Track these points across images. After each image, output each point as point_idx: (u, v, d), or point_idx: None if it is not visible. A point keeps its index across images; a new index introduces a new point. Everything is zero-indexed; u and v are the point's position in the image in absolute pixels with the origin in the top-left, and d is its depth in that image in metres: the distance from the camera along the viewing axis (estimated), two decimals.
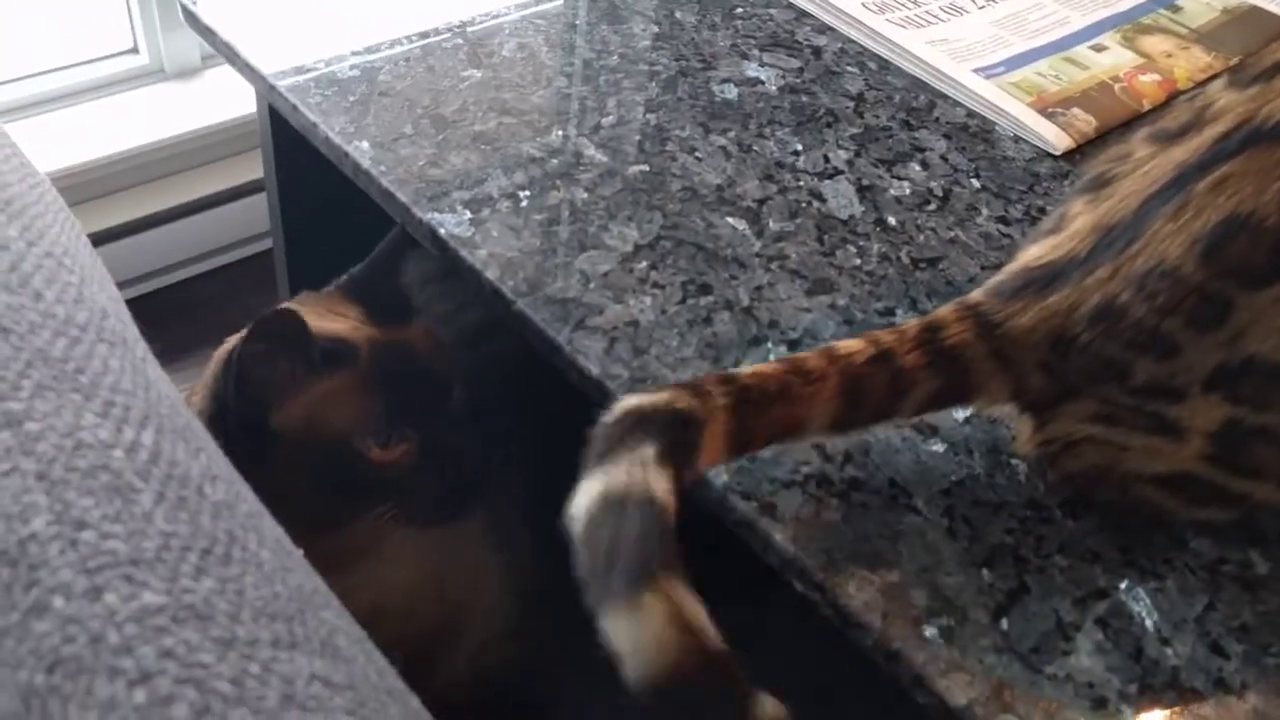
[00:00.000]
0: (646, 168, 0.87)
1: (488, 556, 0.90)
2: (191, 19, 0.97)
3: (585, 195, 0.83)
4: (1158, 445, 0.61)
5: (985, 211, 0.88)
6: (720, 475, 0.65)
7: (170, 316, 1.60)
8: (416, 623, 0.86)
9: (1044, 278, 0.61)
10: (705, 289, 0.77)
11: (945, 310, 0.63)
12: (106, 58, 1.67)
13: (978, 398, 0.63)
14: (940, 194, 0.89)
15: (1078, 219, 0.62)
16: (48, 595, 0.33)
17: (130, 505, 0.36)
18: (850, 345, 0.61)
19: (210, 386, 0.81)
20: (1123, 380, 0.59)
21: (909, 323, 0.63)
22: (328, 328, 0.81)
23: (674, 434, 0.55)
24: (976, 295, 0.64)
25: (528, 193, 0.82)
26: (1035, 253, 0.63)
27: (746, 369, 0.60)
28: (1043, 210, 0.88)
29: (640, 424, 0.55)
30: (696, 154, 0.89)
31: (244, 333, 0.77)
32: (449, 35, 0.98)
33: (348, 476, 0.77)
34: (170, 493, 0.38)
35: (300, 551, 0.44)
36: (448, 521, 0.82)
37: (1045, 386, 0.61)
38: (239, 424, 0.76)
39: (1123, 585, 0.62)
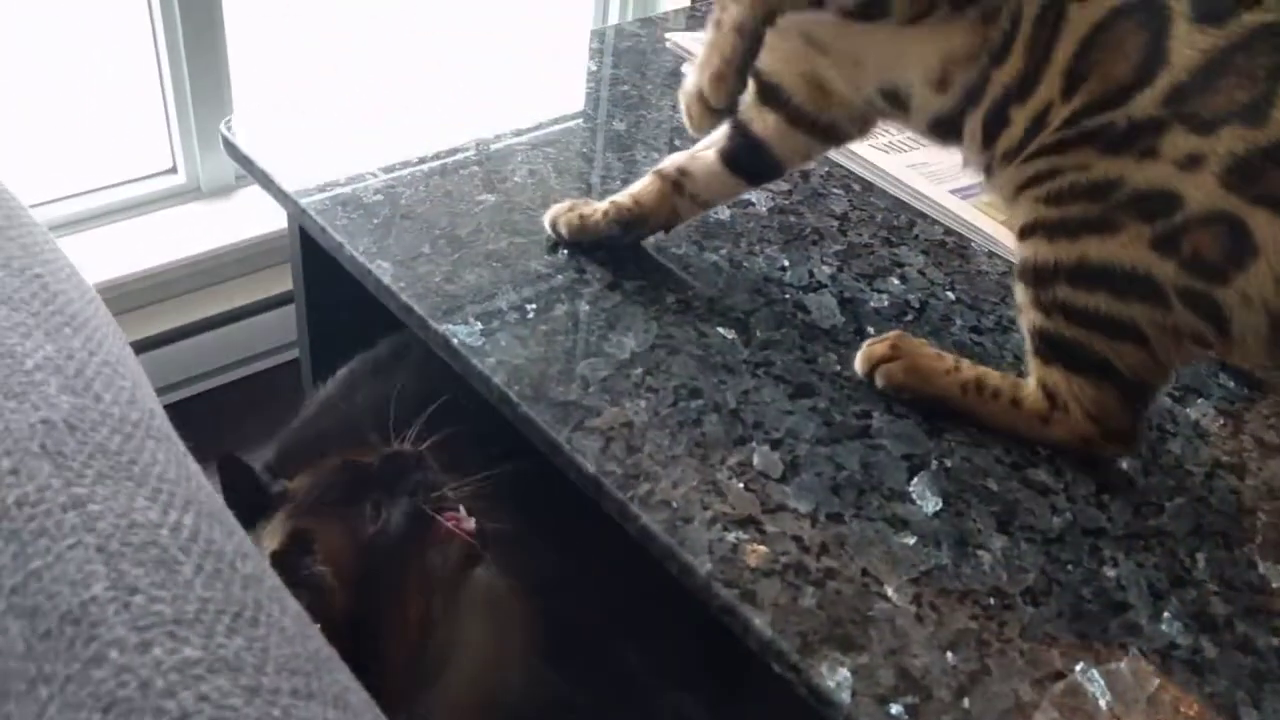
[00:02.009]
0: (644, 282, 0.94)
1: (534, 636, 0.95)
2: (231, 148, 1.06)
3: (587, 308, 0.91)
4: None
5: (959, 321, 0.94)
6: (704, 564, 0.70)
7: (196, 424, 1.66)
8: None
9: None
10: (696, 393, 0.83)
11: None
12: (147, 177, 1.78)
13: None
14: (917, 305, 0.95)
15: None
16: (105, 648, 0.39)
17: (174, 575, 0.42)
18: None
19: None
20: None
21: None
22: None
23: None
24: None
25: (534, 306, 0.90)
26: None
27: None
28: (1014, 321, 0.95)
29: None
30: (690, 269, 0.96)
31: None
32: (467, 158, 1.07)
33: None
34: (208, 565, 0.44)
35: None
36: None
37: None
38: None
39: (1078, 667, 0.67)
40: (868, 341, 0.86)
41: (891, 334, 0.86)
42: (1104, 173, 0.72)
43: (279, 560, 0.76)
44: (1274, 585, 0.74)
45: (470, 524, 0.84)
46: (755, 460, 0.79)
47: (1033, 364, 0.80)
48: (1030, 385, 0.81)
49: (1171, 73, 0.69)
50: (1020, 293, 0.79)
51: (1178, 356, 0.76)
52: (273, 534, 0.82)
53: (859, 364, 0.86)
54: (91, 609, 0.40)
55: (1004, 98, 0.76)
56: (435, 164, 1.06)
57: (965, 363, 0.84)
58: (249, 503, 0.82)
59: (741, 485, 0.76)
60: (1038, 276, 0.76)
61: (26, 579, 0.42)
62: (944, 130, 0.81)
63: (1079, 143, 0.73)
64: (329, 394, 1.07)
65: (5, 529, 0.43)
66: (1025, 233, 0.77)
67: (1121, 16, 0.71)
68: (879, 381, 0.85)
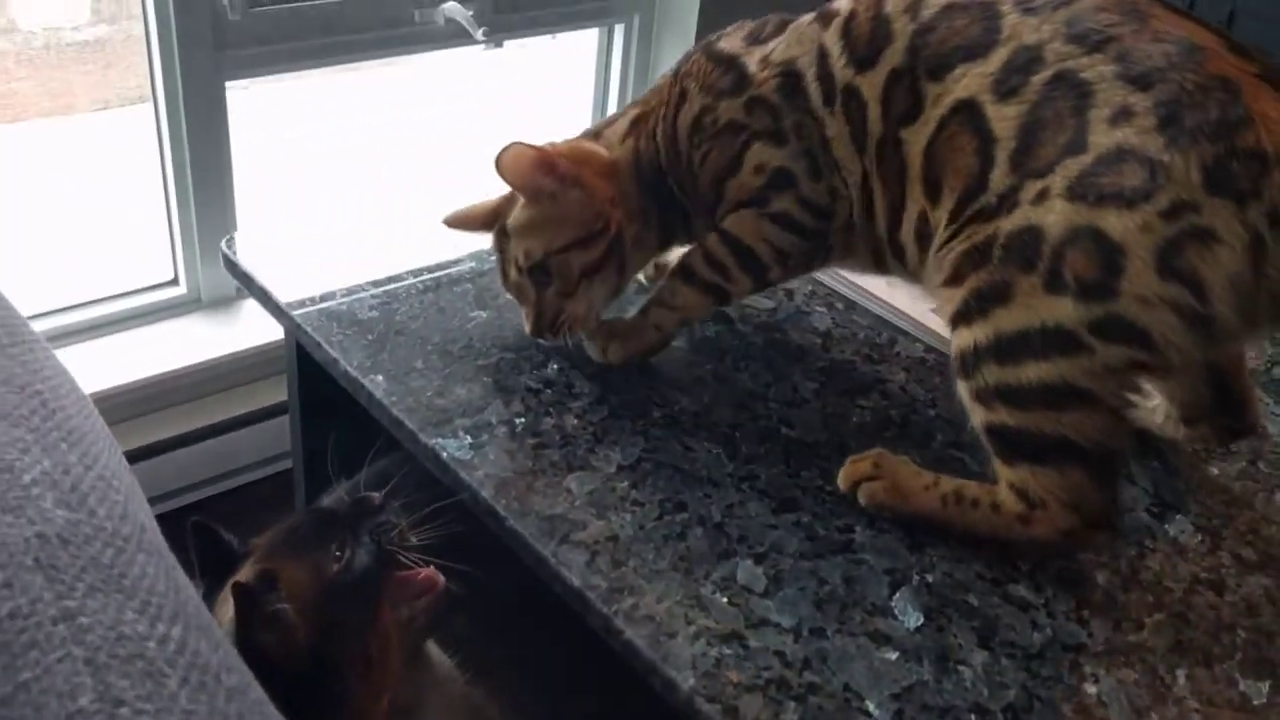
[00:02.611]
0: (631, 396, 0.96)
1: None
2: (231, 266, 1.09)
3: (575, 421, 0.92)
4: None
5: (940, 437, 0.96)
6: (687, 679, 0.71)
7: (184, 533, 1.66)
8: None
9: None
10: (681, 506, 0.85)
11: None
12: (149, 288, 1.82)
13: None
14: (899, 421, 0.97)
15: None
16: None
17: (160, 687, 0.43)
18: None
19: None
20: None
21: None
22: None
23: None
24: None
25: (523, 420, 0.92)
26: None
27: None
28: None
29: None
30: (677, 385, 0.98)
31: None
32: (460, 273, 1.10)
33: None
34: (193, 678, 0.45)
35: None
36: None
37: None
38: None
39: None
40: (850, 459, 0.88)
41: (873, 452, 0.88)
42: (983, 235, 0.80)
43: (244, 593, 0.77)
44: (1255, 702, 0.74)
45: (439, 579, 0.86)
46: (739, 574, 0.79)
47: (998, 468, 0.82)
48: (1003, 489, 0.83)
49: (1004, 145, 0.80)
50: (961, 391, 0.82)
51: (1126, 394, 0.79)
52: (242, 576, 0.83)
53: (842, 481, 0.88)
54: None
55: (889, 230, 0.90)
56: (429, 278, 1.09)
57: (944, 477, 0.86)
58: (219, 564, 0.84)
59: (725, 599, 0.77)
60: (965, 364, 0.81)
61: (15, 690, 0.43)
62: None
63: (967, 225, 0.82)
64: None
65: None
66: (953, 324, 0.83)
67: (947, 123, 0.84)
68: (862, 499, 0.86)
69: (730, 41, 0.96)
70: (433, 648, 0.92)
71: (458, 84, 2.91)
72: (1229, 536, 0.89)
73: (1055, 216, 0.76)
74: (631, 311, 1.01)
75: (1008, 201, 0.79)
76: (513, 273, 0.97)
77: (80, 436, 0.60)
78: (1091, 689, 0.74)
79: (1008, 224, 0.79)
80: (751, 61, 0.93)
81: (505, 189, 0.96)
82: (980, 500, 0.84)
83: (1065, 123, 0.78)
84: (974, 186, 0.82)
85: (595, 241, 0.95)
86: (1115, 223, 0.74)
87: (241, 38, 1.60)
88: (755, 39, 0.95)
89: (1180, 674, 0.76)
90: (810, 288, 1.16)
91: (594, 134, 1.01)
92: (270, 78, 1.73)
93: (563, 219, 0.94)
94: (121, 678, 0.43)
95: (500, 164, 0.92)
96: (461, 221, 1.02)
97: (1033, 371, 0.77)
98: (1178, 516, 0.90)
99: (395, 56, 1.84)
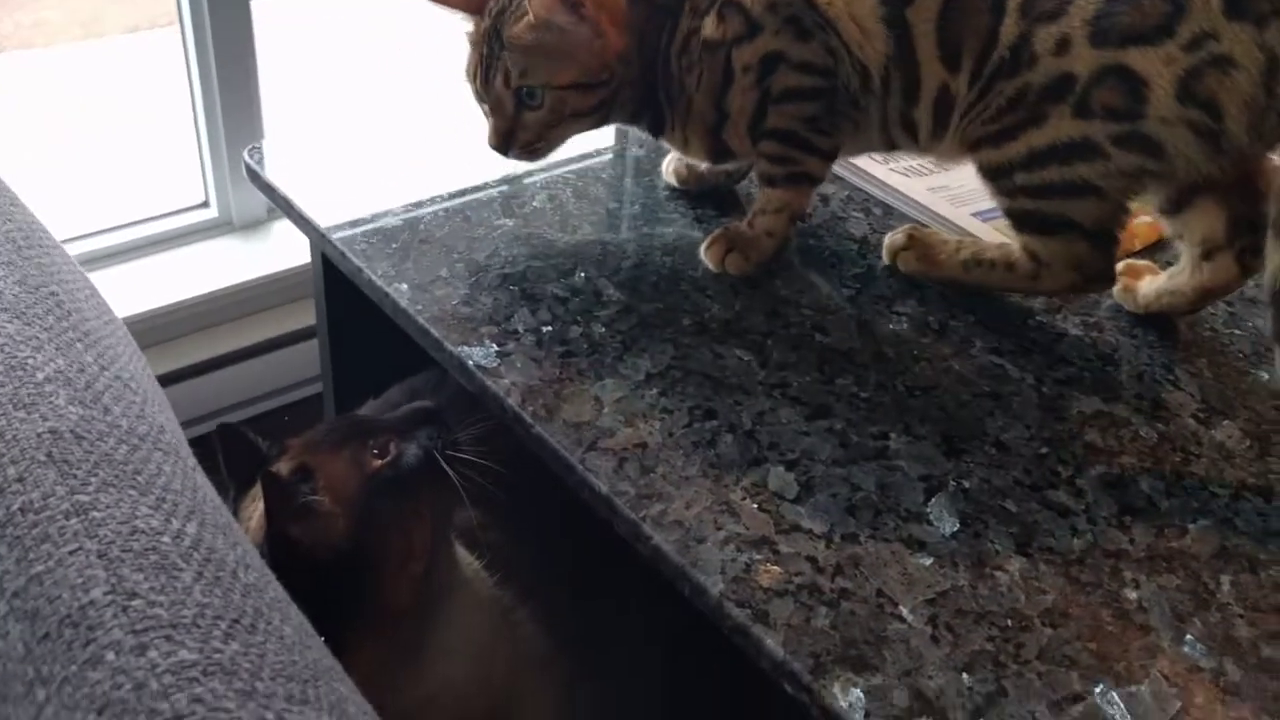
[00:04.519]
0: (660, 304, 0.94)
1: (534, 645, 0.95)
2: (254, 176, 1.08)
3: (603, 330, 0.91)
4: None
5: (979, 344, 0.93)
6: (716, 584, 0.70)
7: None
8: (465, 711, 0.90)
9: None
10: (710, 414, 0.83)
11: None
12: (180, 211, 1.81)
13: None
14: (936, 327, 0.95)
15: None
16: (101, 650, 0.39)
17: (174, 580, 0.43)
18: None
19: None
20: None
21: None
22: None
23: None
24: None
25: (550, 328, 0.90)
26: None
27: None
28: (1034, 342, 0.94)
29: None
30: (707, 293, 0.96)
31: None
32: (487, 189, 1.08)
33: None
34: (208, 573, 0.44)
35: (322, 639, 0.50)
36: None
37: None
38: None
39: (1098, 690, 0.66)
40: (889, 233, 1.02)
41: (907, 226, 1.02)
42: (1014, 89, 0.85)
43: (273, 483, 0.77)
44: None
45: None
46: (770, 481, 0.78)
47: (1014, 235, 0.94)
48: (1017, 250, 0.94)
49: None
50: (987, 187, 0.91)
51: (1132, 192, 0.88)
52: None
53: (885, 254, 1.01)
54: (90, 612, 0.40)
55: (902, 108, 0.92)
56: (457, 200, 1.07)
57: (966, 241, 0.99)
58: (248, 466, 0.84)
59: (755, 506, 0.76)
60: (996, 174, 0.89)
61: (28, 583, 0.42)
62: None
63: (991, 84, 0.86)
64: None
65: (9, 535, 0.44)
66: (973, 148, 0.90)
67: None
68: (901, 267, 1.00)
69: None
70: (460, 549, 0.92)
71: None
72: (1279, 442, 0.86)
73: (1083, 63, 0.82)
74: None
75: (1020, 53, 0.84)
76: (498, 82, 0.93)
77: (98, 339, 0.59)
78: (1132, 594, 0.72)
79: (1036, 77, 0.84)
80: None
81: None
82: (997, 262, 0.96)
83: None
84: (988, 44, 0.85)
85: (595, 90, 0.94)
86: (1139, 59, 0.80)
87: None
88: None
89: (1224, 580, 0.74)
90: (846, 193, 1.13)
91: None
92: None
93: (567, 55, 0.92)
94: (135, 571, 0.43)
95: None
96: None
97: (1054, 173, 0.86)
98: (1224, 422, 0.88)
99: None
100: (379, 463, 0.83)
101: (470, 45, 0.96)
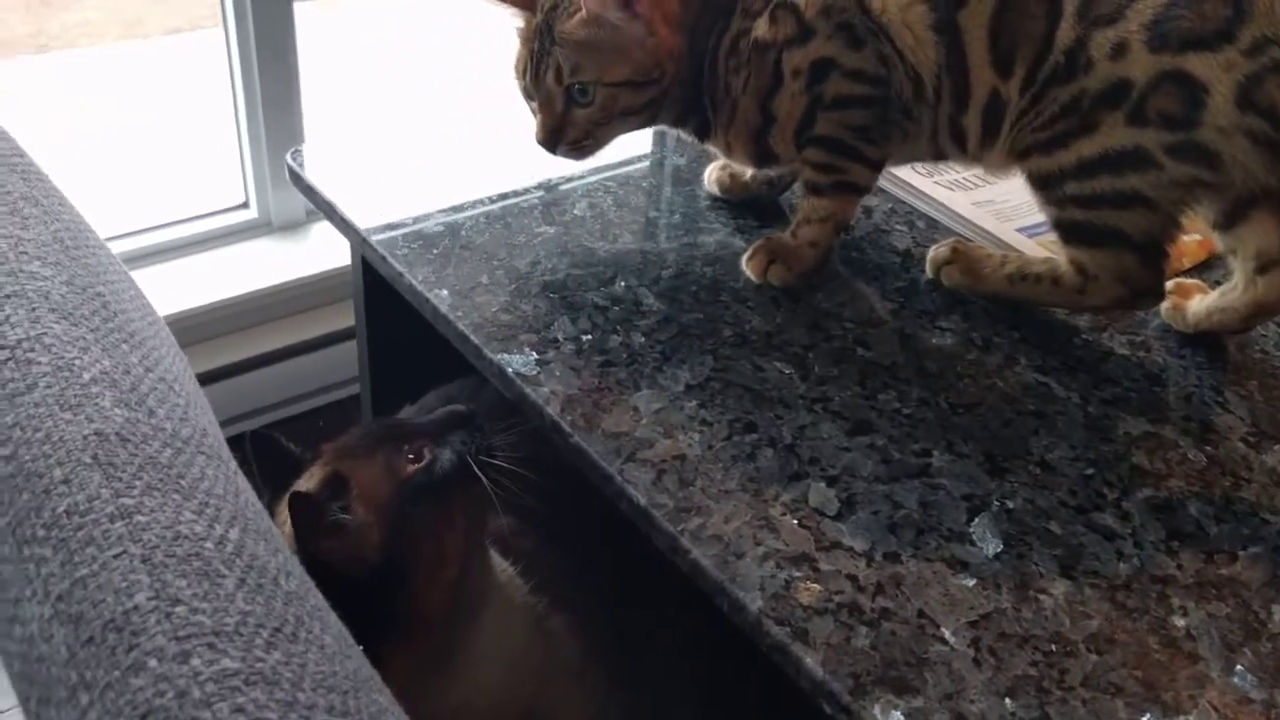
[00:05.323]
0: (701, 315, 0.93)
1: (568, 654, 0.95)
2: (296, 178, 1.08)
3: (643, 339, 0.90)
4: None
5: (1023, 360, 0.92)
6: (755, 600, 0.69)
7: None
8: (497, 719, 0.90)
9: None
10: (751, 427, 0.82)
11: None
12: (220, 212, 1.82)
13: None
14: (980, 343, 0.94)
15: None
16: (144, 657, 0.39)
17: (217, 587, 0.42)
18: None
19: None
20: None
21: None
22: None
23: None
24: None
25: (590, 337, 0.90)
26: None
27: None
28: (1080, 360, 0.92)
29: None
30: (748, 304, 0.95)
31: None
32: (528, 195, 1.08)
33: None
34: (250, 579, 0.44)
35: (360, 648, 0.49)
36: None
37: None
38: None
39: (1144, 719, 0.64)
40: (933, 247, 1.01)
41: (950, 240, 1.01)
42: (1068, 95, 0.84)
43: (300, 503, 0.77)
44: None
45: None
46: (810, 497, 0.77)
47: (1061, 249, 0.92)
48: (1064, 264, 0.93)
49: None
50: (1036, 197, 0.90)
51: (1185, 204, 0.86)
52: (306, 481, 0.82)
53: (928, 267, 1.01)
54: (133, 618, 0.40)
55: (952, 114, 0.91)
56: (497, 206, 1.07)
57: (1011, 256, 0.98)
58: (282, 472, 0.84)
59: (795, 522, 0.75)
60: (1045, 183, 0.88)
61: (72, 586, 0.42)
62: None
63: (1042, 91, 0.85)
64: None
65: (55, 537, 0.44)
66: (1023, 156, 0.89)
67: None
68: (944, 281, 0.99)
69: None
70: (495, 556, 0.91)
71: None
72: None
73: (1140, 69, 0.80)
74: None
75: (1076, 57, 0.82)
76: (549, 78, 0.93)
77: (142, 340, 0.59)
78: (1180, 622, 0.71)
79: (1092, 83, 0.82)
80: None
81: None
82: (1043, 277, 0.94)
83: None
84: (1042, 49, 0.84)
85: (646, 89, 0.94)
86: (1199, 65, 0.79)
87: None
88: None
89: (1276, 609, 0.72)
90: (890, 205, 1.12)
91: None
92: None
93: (619, 52, 0.91)
94: (178, 576, 0.42)
95: None
96: None
97: (1106, 183, 0.85)
98: (1276, 447, 0.86)
99: None
100: (413, 467, 0.83)
101: (520, 41, 0.96)
